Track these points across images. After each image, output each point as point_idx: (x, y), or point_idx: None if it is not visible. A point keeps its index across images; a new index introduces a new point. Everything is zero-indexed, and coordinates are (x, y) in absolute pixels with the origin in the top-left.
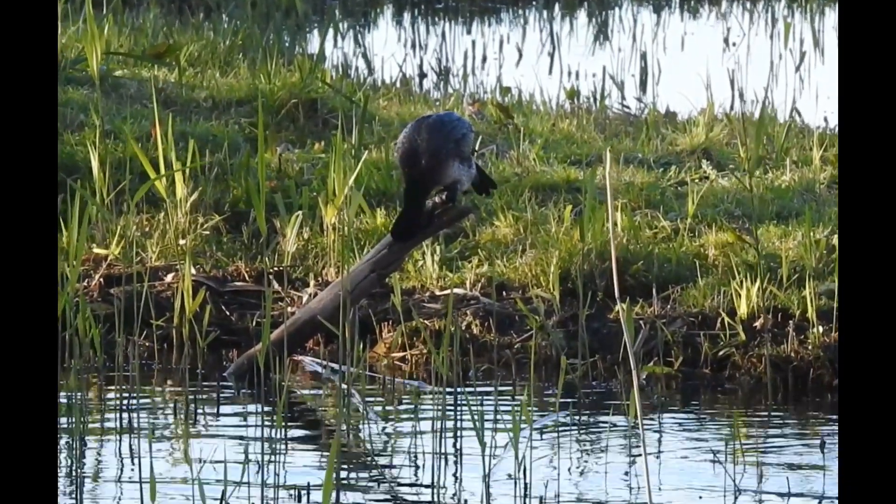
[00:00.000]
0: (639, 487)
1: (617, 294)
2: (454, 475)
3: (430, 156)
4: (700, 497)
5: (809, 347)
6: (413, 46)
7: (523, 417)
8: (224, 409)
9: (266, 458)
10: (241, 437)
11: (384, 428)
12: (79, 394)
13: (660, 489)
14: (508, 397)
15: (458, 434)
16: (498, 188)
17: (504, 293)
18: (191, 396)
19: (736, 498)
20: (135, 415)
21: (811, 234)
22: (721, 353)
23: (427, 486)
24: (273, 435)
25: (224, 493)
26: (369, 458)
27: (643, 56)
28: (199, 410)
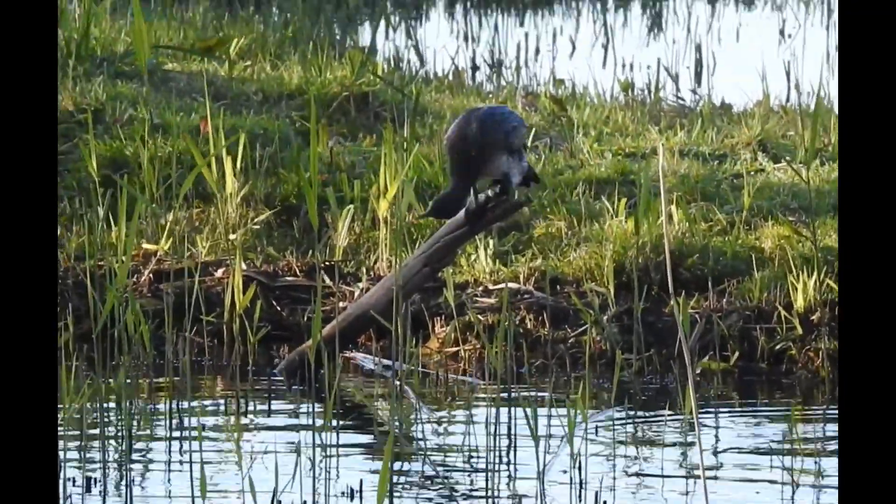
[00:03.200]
0: (696, 483)
1: (672, 288)
2: (508, 472)
3: (479, 145)
4: (757, 492)
5: None
6: (465, 39)
7: (578, 413)
8: (275, 405)
9: (318, 454)
10: (292, 434)
11: (437, 424)
12: (128, 387)
13: (716, 482)
14: (563, 393)
15: (513, 431)
16: (540, 183)
17: (558, 287)
18: (241, 392)
19: (794, 492)
20: (185, 411)
21: None
22: (778, 347)
23: (481, 483)
24: (324, 432)
25: (275, 489)
26: (422, 455)
27: (698, 48)
28: (250, 406)
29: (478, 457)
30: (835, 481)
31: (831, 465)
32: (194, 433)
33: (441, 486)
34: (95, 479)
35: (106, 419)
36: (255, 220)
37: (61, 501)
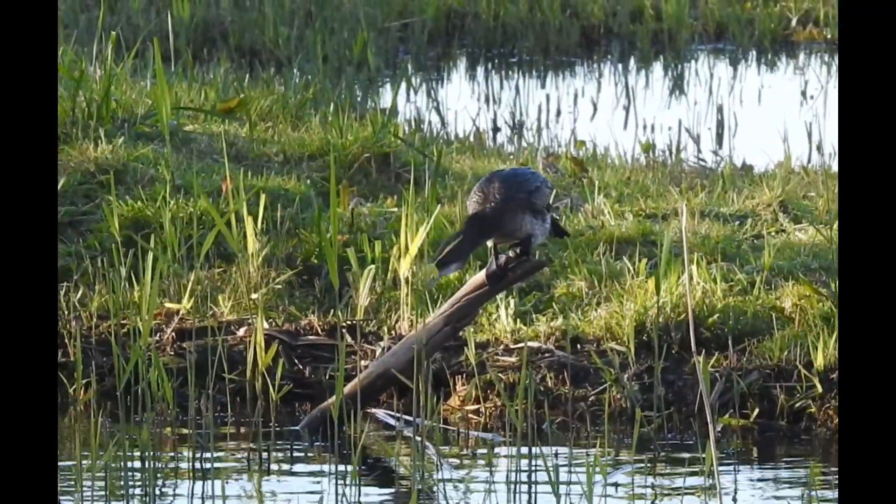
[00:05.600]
0: None
1: (693, 346)
2: None
3: (500, 207)
4: None
5: None
6: (486, 100)
7: (598, 471)
8: (297, 462)
9: None
10: (315, 491)
11: (458, 481)
12: (151, 444)
13: None
14: (583, 450)
15: (533, 487)
16: (570, 236)
17: (578, 346)
18: (264, 450)
19: None
20: (207, 468)
21: None
22: (797, 405)
23: None
24: (347, 489)
25: None
26: None
27: (719, 109)
28: (273, 464)
29: None
30: None
31: None
32: (217, 490)
33: None
34: None
35: (130, 476)
36: (277, 279)
37: None
